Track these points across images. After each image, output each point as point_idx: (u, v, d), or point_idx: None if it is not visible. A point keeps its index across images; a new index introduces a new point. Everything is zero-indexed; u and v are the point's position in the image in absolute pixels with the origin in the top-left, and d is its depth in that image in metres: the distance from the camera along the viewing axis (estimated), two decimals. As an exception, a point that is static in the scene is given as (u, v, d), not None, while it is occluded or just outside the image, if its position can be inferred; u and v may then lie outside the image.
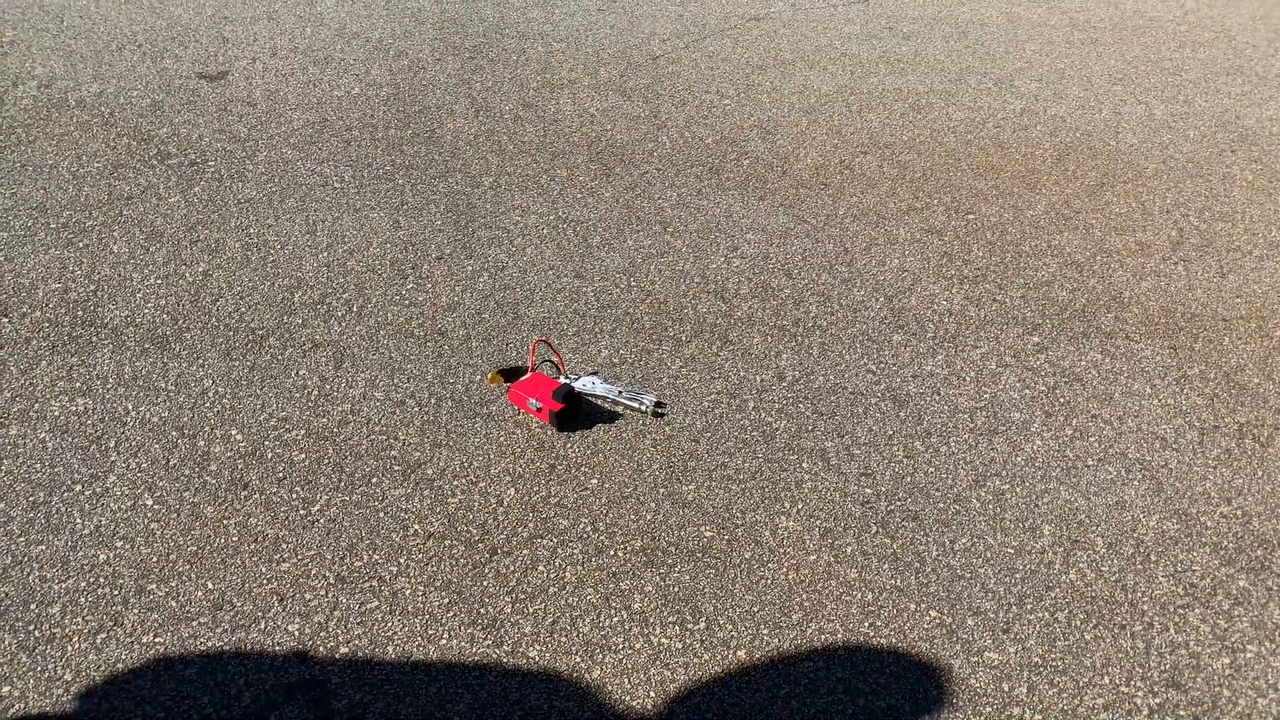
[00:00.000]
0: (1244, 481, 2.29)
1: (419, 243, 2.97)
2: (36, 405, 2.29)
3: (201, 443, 2.21)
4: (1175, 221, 3.36)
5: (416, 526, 2.05)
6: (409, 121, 3.70)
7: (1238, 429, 2.45)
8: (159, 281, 2.72)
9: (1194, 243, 3.24)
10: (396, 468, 2.18)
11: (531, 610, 1.89)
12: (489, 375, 2.41)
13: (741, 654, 1.83)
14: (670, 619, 1.89)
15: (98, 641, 1.78)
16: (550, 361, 2.46)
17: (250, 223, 3.01)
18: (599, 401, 2.40)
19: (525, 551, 2.01)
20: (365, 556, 1.97)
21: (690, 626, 1.88)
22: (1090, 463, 2.32)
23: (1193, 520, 2.18)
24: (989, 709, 1.76)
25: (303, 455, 2.20)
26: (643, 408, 2.37)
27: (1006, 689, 1.80)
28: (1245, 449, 2.39)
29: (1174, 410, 2.50)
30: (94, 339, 2.50)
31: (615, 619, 1.88)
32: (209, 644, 1.79)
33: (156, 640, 1.78)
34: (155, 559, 1.94)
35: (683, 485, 2.19)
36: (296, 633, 1.82)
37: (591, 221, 3.14)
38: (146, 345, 2.49)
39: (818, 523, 2.11)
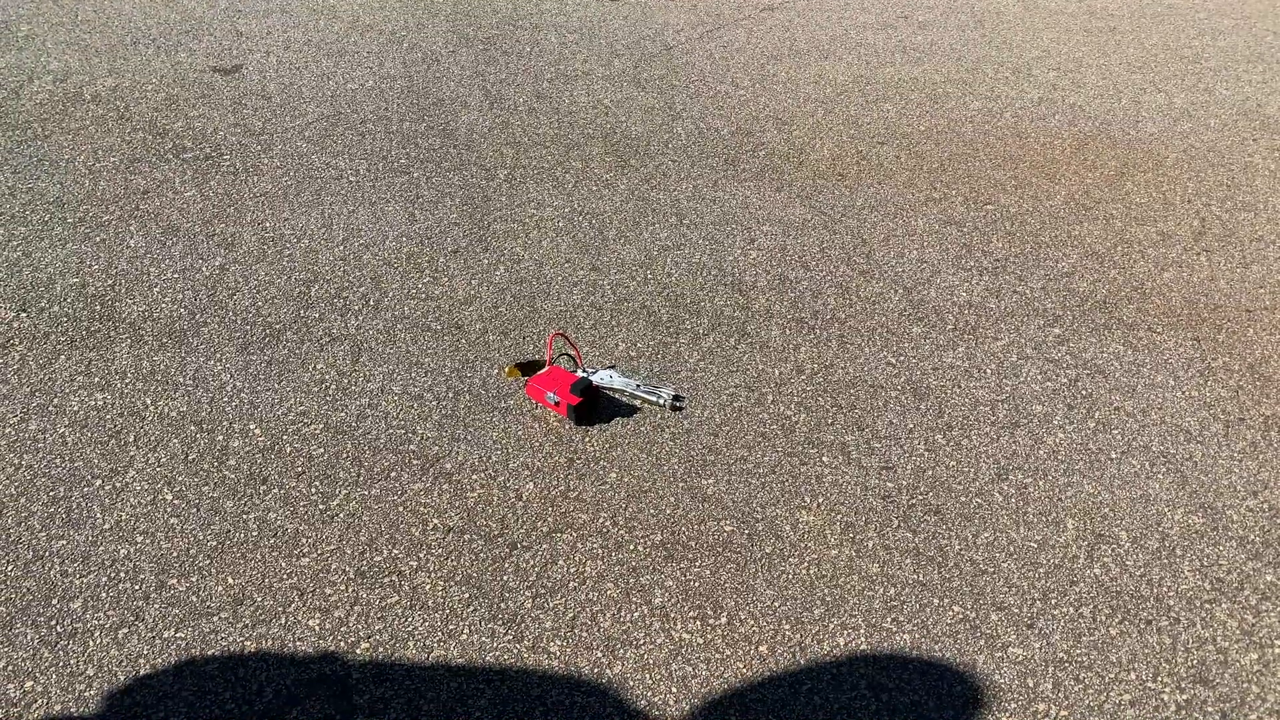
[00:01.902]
0: (1270, 474, 2.26)
1: (435, 236, 2.96)
2: (55, 400, 2.29)
3: (220, 437, 2.21)
4: (1197, 211, 3.32)
5: (436, 521, 2.04)
6: (423, 114, 3.68)
7: (1263, 421, 2.42)
8: (176, 276, 2.72)
9: (1216, 233, 3.20)
10: (415, 462, 2.18)
11: (552, 605, 1.88)
12: (506, 369, 2.40)
13: (763, 649, 1.82)
14: (691, 614, 1.88)
15: (119, 637, 1.78)
16: (568, 355, 2.45)
17: (266, 216, 3.01)
18: (617, 395, 2.39)
19: (545, 546, 2.00)
20: (385, 551, 1.97)
21: (711, 621, 1.87)
22: (1114, 456, 2.29)
23: (1218, 514, 2.15)
24: (1013, 705, 1.75)
25: (321, 450, 2.19)
26: (661, 401, 2.35)
27: (1031, 685, 1.78)
28: (1271, 441, 2.36)
29: (1198, 402, 2.47)
30: (112, 333, 2.50)
31: (636, 614, 1.87)
32: (230, 639, 1.78)
33: (178, 635, 1.78)
34: (175, 554, 1.94)
35: (702, 479, 2.17)
36: (317, 628, 1.81)
37: (607, 214, 3.13)
38: (164, 340, 2.49)
39: (839, 517, 2.10)
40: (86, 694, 1.68)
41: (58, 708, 1.66)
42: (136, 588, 1.87)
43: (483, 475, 2.15)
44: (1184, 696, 1.78)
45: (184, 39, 4.20)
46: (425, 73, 4.02)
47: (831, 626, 1.87)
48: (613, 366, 2.46)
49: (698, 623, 1.86)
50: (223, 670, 1.73)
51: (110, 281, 2.69)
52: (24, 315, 2.55)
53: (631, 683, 1.75)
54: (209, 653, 1.76)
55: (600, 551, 2.00)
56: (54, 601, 1.84)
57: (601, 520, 2.06)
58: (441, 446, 2.22)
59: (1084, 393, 2.48)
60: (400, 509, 2.06)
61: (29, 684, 1.69)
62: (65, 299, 2.62)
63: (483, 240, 2.95)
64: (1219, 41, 4.86)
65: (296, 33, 4.33)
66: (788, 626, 1.86)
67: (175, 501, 2.05)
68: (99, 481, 2.09)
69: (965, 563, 2.01)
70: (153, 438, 2.20)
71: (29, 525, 1.98)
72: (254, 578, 1.90)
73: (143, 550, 1.94)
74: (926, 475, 2.21)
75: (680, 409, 2.36)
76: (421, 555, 1.97)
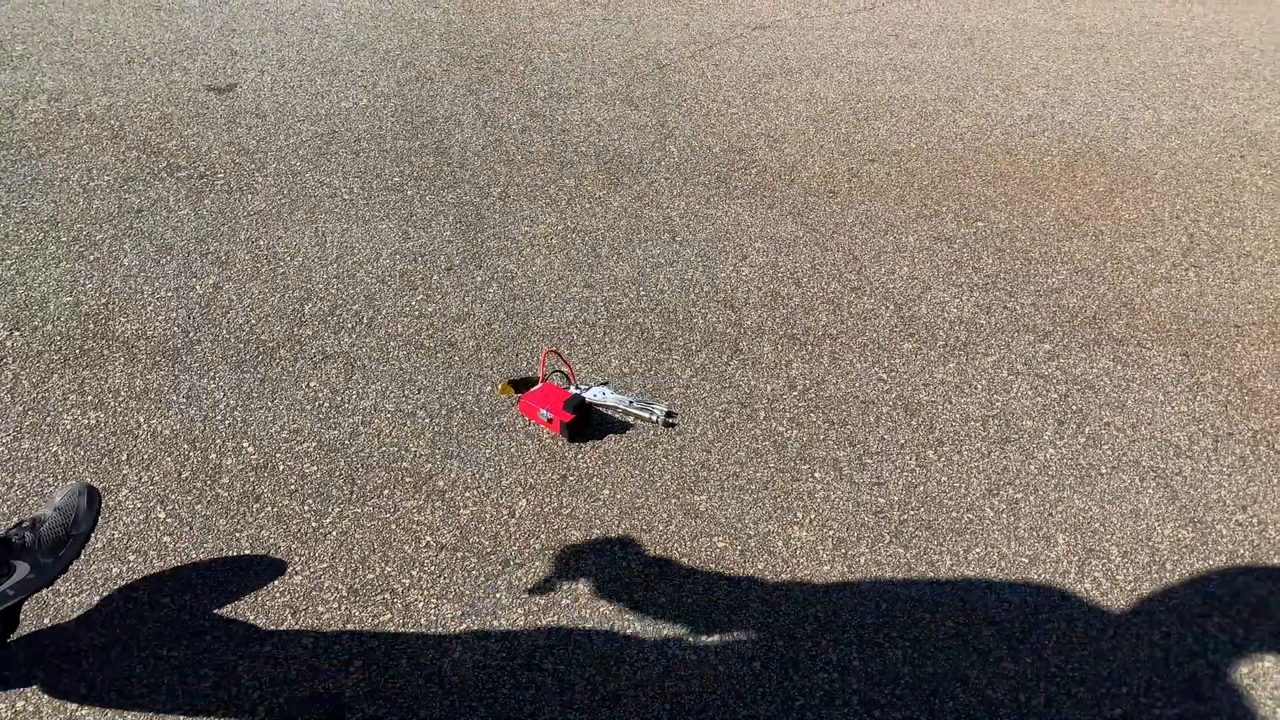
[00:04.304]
0: (1259, 489, 2.28)
1: (428, 254, 2.97)
2: (49, 419, 2.29)
3: (213, 455, 2.21)
4: (1185, 227, 3.35)
5: (428, 539, 2.04)
6: (417, 132, 3.70)
7: (1252, 436, 2.44)
8: (170, 294, 2.73)
9: (1205, 249, 3.23)
10: (408, 479, 2.18)
11: (544, 623, 1.88)
12: (499, 386, 2.41)
13: (756, 665, 1.82)
14: (684, 631, 1.88)
15: (112, 656, 1.77)
16: (560, 372, 2.45)
17: (260, 235, 3.02)
18: (610, 412, 2.40)
19: (538, 563, 2.00)
20: (377, 569, 1.97)
21: (704, 638, 1.87)
22: (1104, 471, 2.30)
23: (1208, 528, 2.16)
24: (1006, 720, 1.75)
25: (314, 467, 2.20)
26: (654, 418, 2.36)
27: (1023, 699, 1.78)
28: (1260, 456, 2.37)
29: (1188, 417, 2.48)
30: (105, 352, 2.50)
31: (629, 631, 1.87)
32: (223, 658, 1.78)
33: (170, 654, 1.78)
34: (168, 572, 1.93)
35: (695, 495, 2.18)
36: (310, 646, 1.81)
37: (600, 231, 3.14)
38: (158, 358, 2.49)
39: (831, 532, 2.11)
40: (79, 714, 1.68)
41: (49, 728, 1.66)
42: (129, 606, 1.86)
43: (475, 492, 2.16)
44: (1176, 711, 1.78)
45: (178, 58, 4.22)
46: (419, 91, 4.05)
47: (824, 643, 1.87)
48: (605, 383, 2.47)
49: (691, 639, 1.86)
50: (215, 689, 1.73)
51: (104, 300, 2.69)
52: (17, 334, 2.55)
53: (625, 700, 1.75)
54: (201, 671, 1.76)
55: (593, 569, 2.00)
56: (46, 620, 1.83)
57: (594, 537, 2.07)
58: (434, 464, 2.23)
59: (1074, 408, 2.49)
60: (393, 527, 2.07)
61: (20, 704, 1.69)
62: (59, 317, 2.62)
63: (476, 258, 2.96)
64: (1206, 59, 4.91)
65: (290, 52, 4.35)
66: (781, 642, 1.87)
67: (168, 520, 2.05)
68: (92, 500, 2.08)
69: (957, 578, 2.02)
70: (145, 456, 2.20)
71: (21, 544, 1.97)
72: (246, 596, 1.90)
73: (135, 569, 1.94)
74: (918, 491, 2.22)
75: (673, 425, 2.37)
76: (414, 573, 1.97)
